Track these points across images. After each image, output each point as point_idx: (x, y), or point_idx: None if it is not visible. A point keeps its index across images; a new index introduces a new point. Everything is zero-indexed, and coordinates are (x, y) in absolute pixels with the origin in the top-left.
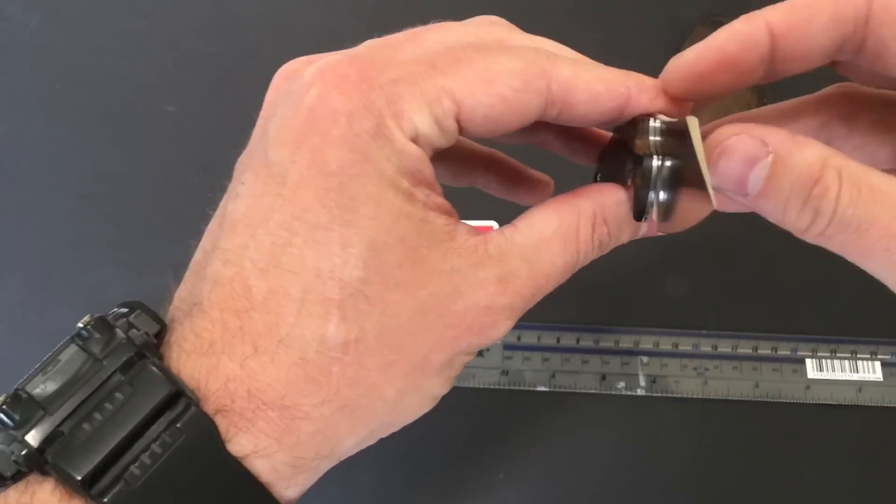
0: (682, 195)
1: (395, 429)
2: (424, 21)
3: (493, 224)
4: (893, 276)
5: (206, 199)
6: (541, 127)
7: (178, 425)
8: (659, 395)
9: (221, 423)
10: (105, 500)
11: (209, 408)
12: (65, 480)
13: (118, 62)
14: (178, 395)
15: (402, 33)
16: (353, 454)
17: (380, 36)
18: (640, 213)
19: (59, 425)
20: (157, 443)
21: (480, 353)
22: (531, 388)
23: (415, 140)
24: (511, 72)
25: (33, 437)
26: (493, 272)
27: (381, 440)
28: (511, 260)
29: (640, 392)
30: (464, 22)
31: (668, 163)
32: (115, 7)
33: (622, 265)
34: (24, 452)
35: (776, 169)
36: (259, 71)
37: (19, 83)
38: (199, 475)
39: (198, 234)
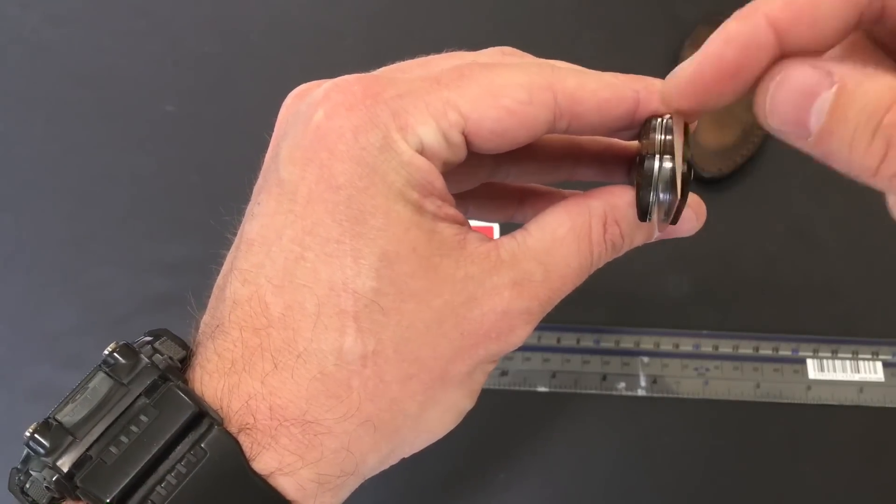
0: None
1: (418, 447)
2: (425, 21)
3: (494, 226)
4: None
5: (206, 198)
6: (567, 159)
7: (203, 445)
8: (660, 395)
9: (245, 441)
10: None
11: (232, 427)
12: None
13: (118, 62)
14: (202, 416)
15: (413, 60)
16: (375, 474)
17: (379, 35)
18: (643, 213)
19: (88, 450)
20: (182, 463)
21: None
22: (531, 389)
23: (421, 152)
24: (516, 85)
25: (63, 463)
26: (507, 277)
27: None
28: (524, 263)
29: (640, 392)
30: (476, 52)
31: (668, 164)
32: (115, 7)
33: (622, 265)
34: (54, 478)
35: (841, 100)
36: (259, 71)
37: (19, 83)
38: (224, 494)
39: (197, 233)
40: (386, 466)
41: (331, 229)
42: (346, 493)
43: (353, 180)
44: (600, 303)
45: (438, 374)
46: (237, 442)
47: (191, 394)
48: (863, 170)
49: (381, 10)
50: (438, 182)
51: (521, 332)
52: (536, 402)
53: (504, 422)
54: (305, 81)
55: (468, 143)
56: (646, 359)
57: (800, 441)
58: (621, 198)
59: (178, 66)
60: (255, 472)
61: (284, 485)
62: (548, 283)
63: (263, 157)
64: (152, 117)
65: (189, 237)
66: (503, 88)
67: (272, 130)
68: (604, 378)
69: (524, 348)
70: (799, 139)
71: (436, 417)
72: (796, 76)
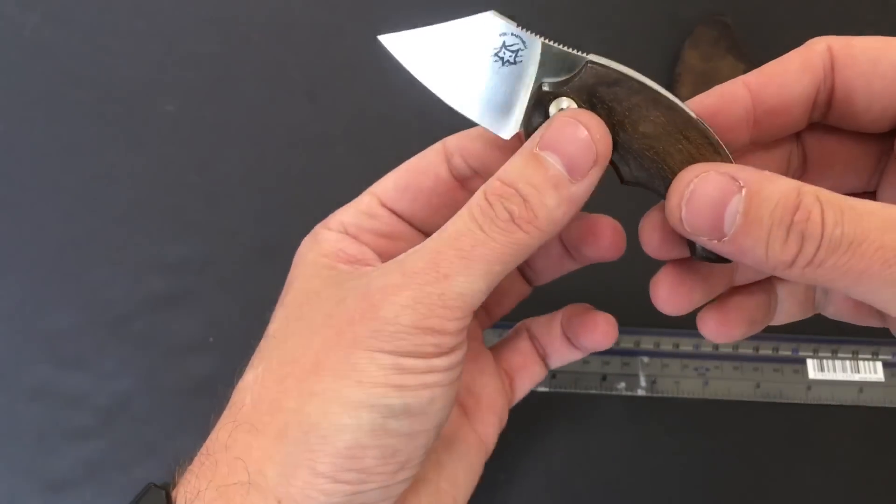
0: None
1: (326, 449)
2: (425, 21)
3: None
4: (894, 294)
5: (206, 198)
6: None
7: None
8: (659, 395)
9: (180, 488)
10: None
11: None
12: None
13: (118, 62)
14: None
15: None
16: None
17: (379, 35)
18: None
19: None
20: None
21: None
22: (532, 389)
23: (345, 231)
24: (408, 161)
25: None
26: (379, 269)
27: None
28: (402, 256)
29: (640, 392)
30: None
31: None
32: (115, 7)
33: (623, 265)
34: None
35: (752, 201)
36: (259, 71)
37: (19, 83)
38: None
39: (197, 233)
40: (301, 484)
41: (275, 311)
42: None
43: (290, 273)
44: (600, 303)
45: (310, 366)
46: (167, 493)
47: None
48: (778, 263)
49: (382, 10)
50: (352, 248)
51: (388, 306)
52: (536, 402)
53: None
54: (305, 81)
55: (391, 210)
56: (646, 359)
57: (800, 441)
58: (504, 165)
59: (178, 66)
60: None
61: None
62: (415, 254)
63: (263, 156)
64: (152, 117)
65: (189, 237)
66: (403, 164)
67: (272, 130)
68: (604, 378)
69: None
70: (712, 240)
71: (318, 410)
72: (707, 183)
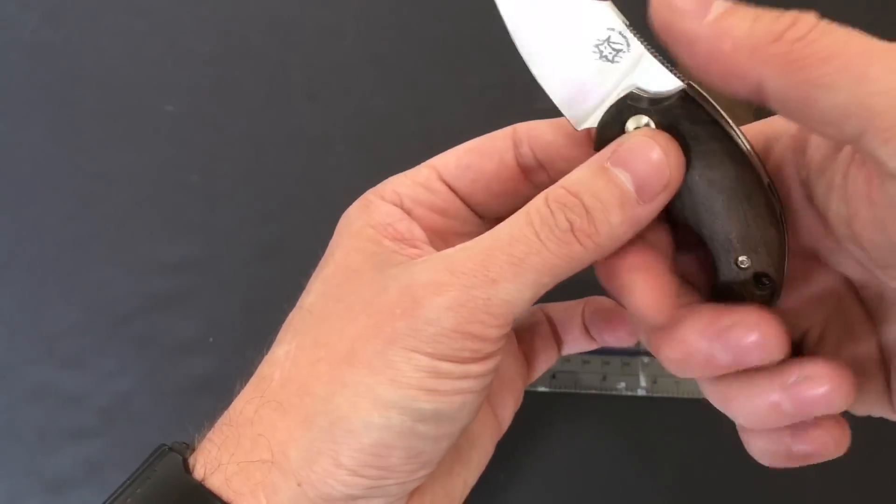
0: None
1: (351, 443)
2: (425, 21)
3: None
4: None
5: (206, 198)
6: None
7: (155, 467)
8: (660, 395)
9: (199, 455)
10: None
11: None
12: None
13: (118, 62)
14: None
15: None
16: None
17: (379, 35)
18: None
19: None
20: (139, 481)
21: None
22: (531, 389)
23: (400, 204)
24: (474, 140)
25: None
26: (426, 262)
27: None
28: (451, 251)
29: (640, 392)
30: None
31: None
32: (115, 7)
33: None
34: None
35: None
36: (259, 71)
37: (19, 83)
38: (168, 499)
39: (197, 233)
40: (322, 469)
41: (311, 278)
42: (285, 503)
43: (333, 239)
44: None
45: (344, 354)
46: (183, 458)
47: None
48: (766, 33)
49: (382, 10)
50: (402, 225)
51: (431, 305)
52: (536, 402)
53: None
54: (305, 81)
55: (449, 185)
56: (646, 359)
57: None
58: (571, 173)
59: (178, 66)
60: (192, 478)
61: (214, 482)
62: (465, 253)
63: (263, 156)
64: (152, 117)
65: (189, 237)
66: (468, 142)
67: (272, 130)
68: (604, 378)
69: None
70: (693, 21)
71: (347, 403)
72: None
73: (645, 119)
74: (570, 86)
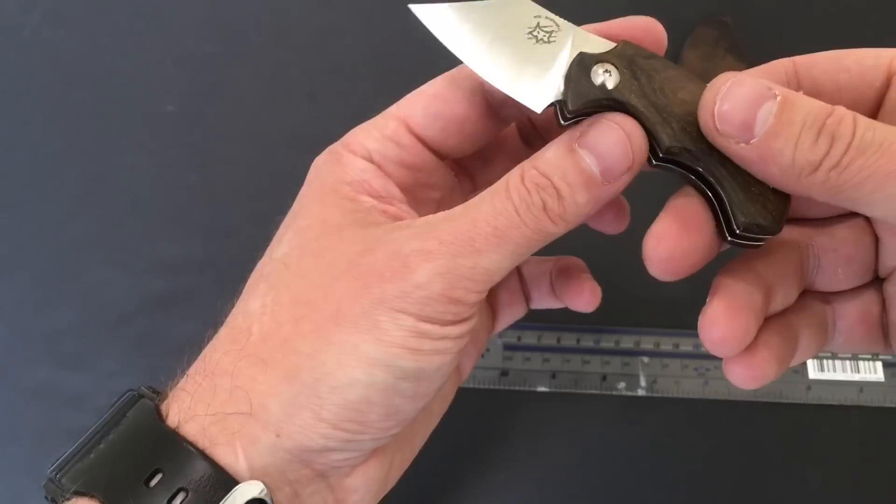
0: None
1: (334, 399)
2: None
3: None
4: None
5: (206, 198)
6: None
7: (127, 414)
8: (660, 395)
9: (171, 403)
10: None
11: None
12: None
13: (118, 62)
14: (140, 396)
15: None
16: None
17: (379, 35)
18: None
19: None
20: (109, 427)
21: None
22: (532, 389)
23: (370, 158)
24: (438, 82)
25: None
26: (407, 228)
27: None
28: (431, 219)
29: (640, 392)
30: None
31: None
32: (115, 7)
33: (623, 265)
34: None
35: (785, 106)
36: (259, 71)
37: (19, 83)
38: (141, 445)
39: (197, 233)
40: (304, 423)
41: (280, 230)
42: (262, 453)
43: (304, 190)
44: (601, 303)
45: (330, 313)
46: (155, 405)
47: (142, 390)
48: (805, 165)
49: (382, 10)
50: (377, 182)
51: (421, 271)
52: (536, 402)
53: (504, 422)
54: (305, 81)
55: (420, 138)
56: (646, 359)
57: (800, 441)
58: (547, 149)
59: (178, 66)
60: (166, 425)
61: (189, 430)
62: (451, 223)
63: (263, 156)
64: (152, 117)
65: (189, 237)
66: (429, 86)
67: (272, 130)
68: (604, 378)
69: (525, 348)
70: (741, 141)
71: (333, 360)
72: (743, 86)
73: (607, 65)
74: (517, 75)
